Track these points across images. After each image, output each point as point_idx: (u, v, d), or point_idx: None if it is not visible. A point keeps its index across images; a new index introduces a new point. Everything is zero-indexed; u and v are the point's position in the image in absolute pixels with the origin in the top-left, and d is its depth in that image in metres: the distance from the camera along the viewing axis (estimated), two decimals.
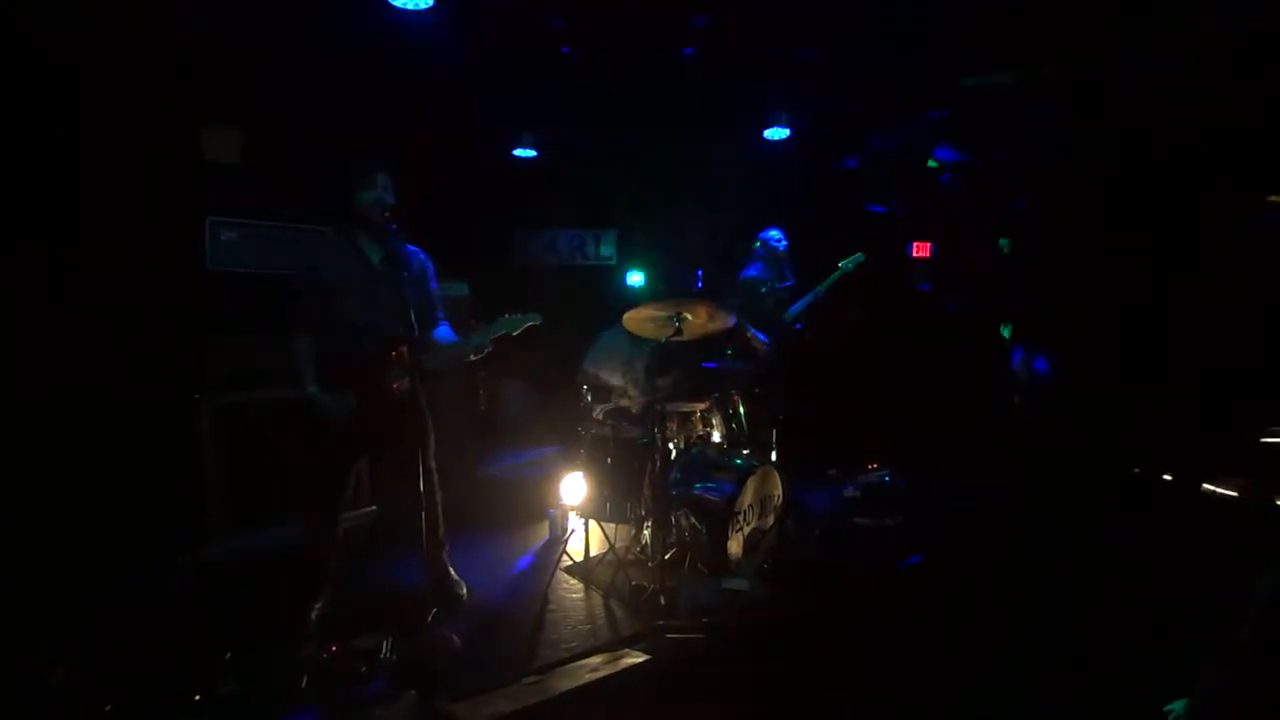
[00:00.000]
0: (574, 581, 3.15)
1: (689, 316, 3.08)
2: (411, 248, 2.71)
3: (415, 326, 2.52)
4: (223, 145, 3.29)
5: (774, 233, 4.49)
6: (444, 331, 2.75)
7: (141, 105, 3.09)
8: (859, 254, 4.45)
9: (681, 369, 3.85)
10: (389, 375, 2.55)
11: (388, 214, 2.52)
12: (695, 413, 3.68)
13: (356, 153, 2.65)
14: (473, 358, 2.67)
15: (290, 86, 3.58)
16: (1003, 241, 5.26)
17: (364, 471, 3.37)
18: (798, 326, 4.53)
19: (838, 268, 4.45)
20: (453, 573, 2.91)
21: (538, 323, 2.64)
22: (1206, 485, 4.20)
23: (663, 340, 3.17)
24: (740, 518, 3.12)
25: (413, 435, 2.54)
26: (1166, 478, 4.46)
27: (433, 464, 2.71)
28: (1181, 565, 3.18)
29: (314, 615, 2.60)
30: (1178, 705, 1.55)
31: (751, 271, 4.47)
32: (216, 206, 3.16)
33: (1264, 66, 3.68)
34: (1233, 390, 4.34)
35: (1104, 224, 4.95)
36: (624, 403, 3.68)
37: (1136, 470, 4.60)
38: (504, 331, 2.59)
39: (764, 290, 4.40)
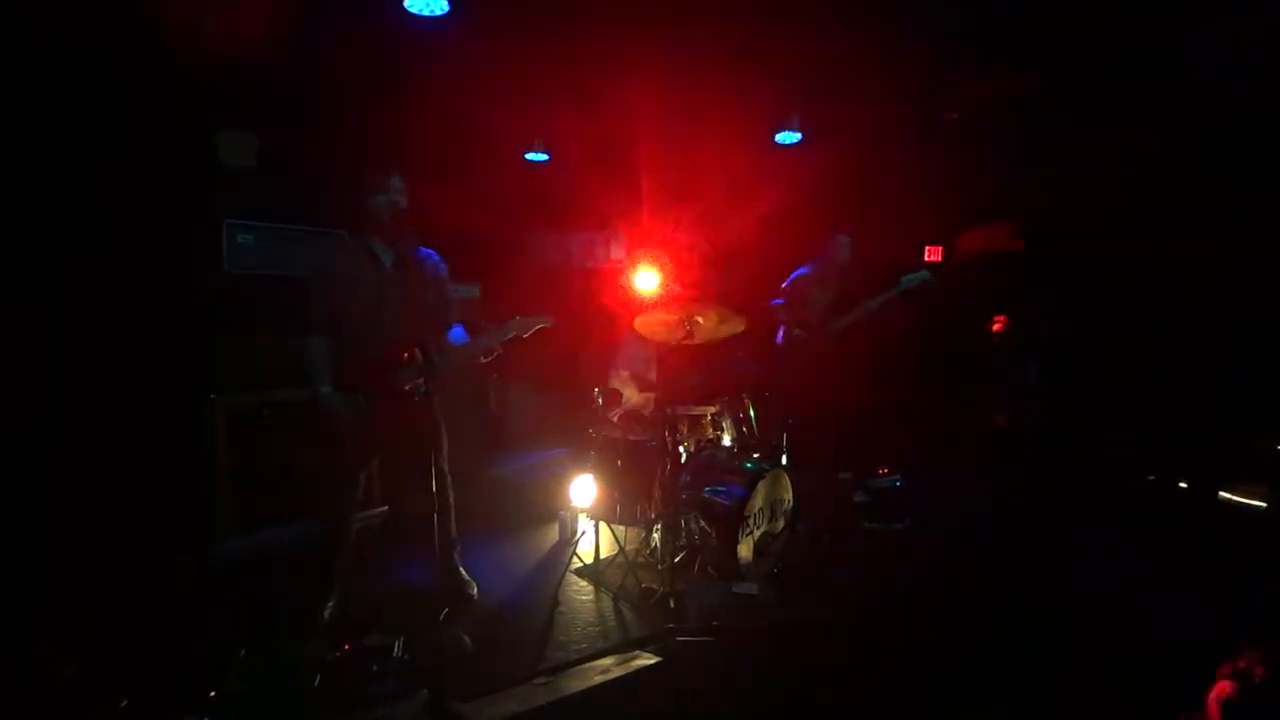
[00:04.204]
0: (584, 583, 3.16)
1: (700, 320, 3.09)
2: (424, 250, 2.74)
3: (427, 328, 2.54)
4: (239, 149, 3.33)
5: (841, 238, 4.32)
6: (457, 333, 2.77)
7: (159, 111, 3.14)
8: (925, 272, 4.20)
9: (693, 369, 3.84)
10: (400, 377, 2.58)
11: (401, 217, 2.55)
12: (706, 415, 3.68)
13: (370, 157, 2.67)
14: (483, 359, 2.69)
15: (305, 90, 3.62)
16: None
17: (375, 472, 3.40)
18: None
19: (898, 283, 4.23)
20: (463, 573, 2.93)
21: (548, 325, 2.66)
22: (1224, 494, 4.14)
23: (673, 344, 3.17)
24: (750, 521, 3.12)
25: (425, 436, 2.56)
26: (1182, 485, 4.41)
27: (445, 465, 2.73)
28: (1196, 575, 3.15)
29: (325, 614, 2.62)
30: None
31: (805, 270, 4.38)
32: (233, 209, 3.20)
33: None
34: (1250, 396, 4.29)
35: (1118, 225, 4.91)
36: (636, 401, 3.67)
37: (1151, 477, 4.55)
38: (514, 334, 2.62)
39: (814, 291, 4.31)
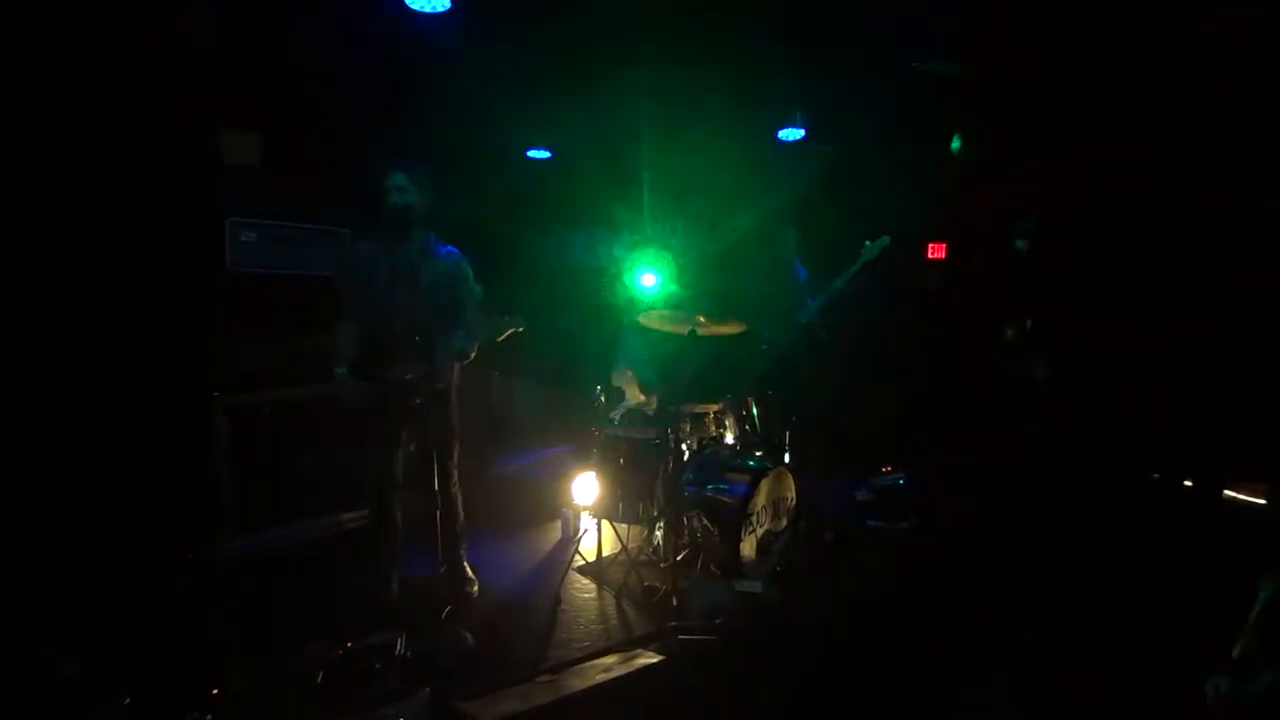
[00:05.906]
0: (586, 581, 3.15)
1: (701, 319, 3.08)
2: (444, 249, 2.74)
3: (433, 324, 2.54)
4: (243, 148, 3.33)
5: (784, 229, 4.33)
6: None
7: (162, 109, 3.14)
8: (885, 237, 4.05)
9: (696, 367, 3.82)
10: (403, 370, 2.58)
11: (407, 213, 2.57)
12: (708, 414, 3.67)
13: (373, 155, 2.69)
14: (461, 362, 2.70)
15: (309, 88, 3.62)
16: (1018, 243, 5.16)
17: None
18: (815, 323, 4.35)
19: (860, 253, 4.08)
20: (467, 571, 2.93)
21: (520, 328, 2.63)
22: (1229, 492, 4.12)
23: (679, 338, 3.16)
24: (753, 519, 3.11)
25: (427, 433, 2.56)
26: (1187, 484, 4.38)
27: (450, 463, 2.73)
28: (1199, 573, 3.13)
29: (393, 590, 2.71)
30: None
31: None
32: (236, 208, 3.21)
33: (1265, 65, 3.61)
34: (1253, 393, 4.26)
35: (1118, 222, 4.89)
36: (640, 402, 3.67)
37: (1156, 475, 4.53)
38: (484, 337, 2.60)
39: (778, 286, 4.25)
